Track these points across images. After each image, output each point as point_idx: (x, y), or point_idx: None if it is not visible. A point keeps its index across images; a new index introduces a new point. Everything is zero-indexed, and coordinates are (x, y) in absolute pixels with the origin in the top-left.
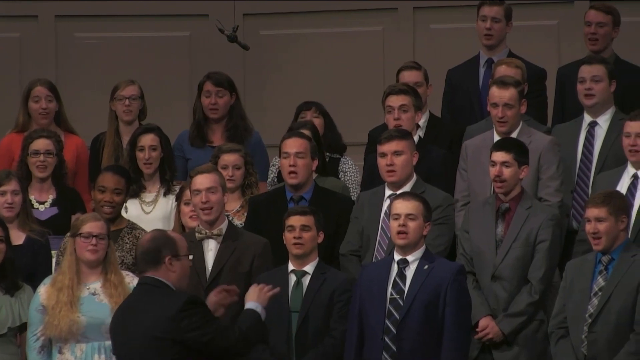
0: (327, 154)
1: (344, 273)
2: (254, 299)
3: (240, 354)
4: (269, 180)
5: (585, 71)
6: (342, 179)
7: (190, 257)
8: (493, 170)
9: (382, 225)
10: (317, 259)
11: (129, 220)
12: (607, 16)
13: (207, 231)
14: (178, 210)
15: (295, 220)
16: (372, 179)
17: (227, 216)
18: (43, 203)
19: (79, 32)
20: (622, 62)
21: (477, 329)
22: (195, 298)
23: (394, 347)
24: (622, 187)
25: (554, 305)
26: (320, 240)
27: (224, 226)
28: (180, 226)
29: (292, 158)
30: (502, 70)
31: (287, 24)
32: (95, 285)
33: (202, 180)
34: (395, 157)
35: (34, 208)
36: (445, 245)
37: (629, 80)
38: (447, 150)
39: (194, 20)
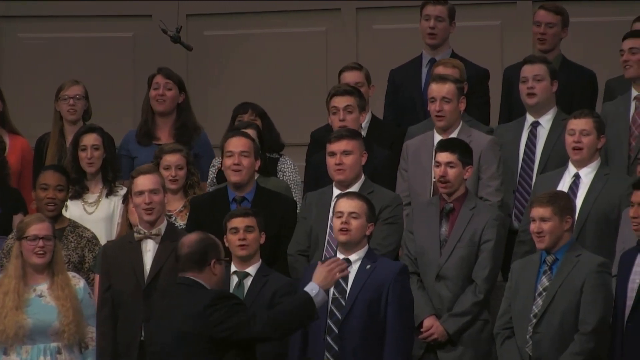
0: (266, 153)
1: (286, 276)
2: (317, 281)
3: (273, 339)
4: (209, 180)
5: (527, 71)
6: (280, 178)
7: (227, 259)
8: (437, 171)
9: (330, 225)
10: (260, 260)
11: (70, 219)
12: (556, 17)
13: (146, 231)
14: (126, 210)
15: (238, 222)
16: (317, 179)
17: (171, 216)
18: None
19: (23, 33)
20: (569, 63)
21: (422, 329)
22: (223, 293)
23: (336, 347)
24: (564, 187)
25: (499, 305)
26: (262, 241)
27: (163, 226)
28: (128, 225)
29: (236, 157)
30: (440, 70)
31: (230, 24)
32: (42, 287)
33: (144, 182)
34: (344, 156)
35: None
36: (395, 244)
37: (576, 80)
38: (389, 150)
39: (138, 20)
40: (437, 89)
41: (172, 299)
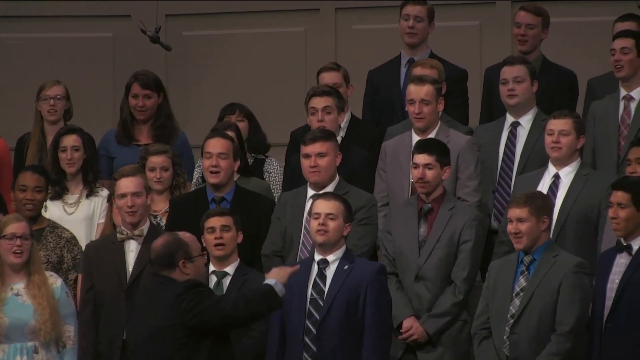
0: (252, 154)
1: (264, 276)
2: (272, 276)
3: (244, 324)
4: (194, 180)
5: (507, 72)
6: (267, 179)
7: (204, 254)
8: (415, 173)
9: (305, 225)
10: (238, 260)
11: (49, 220)
12: (536, 18)
13: (129, 232)
14: (110, 210)
15: (214, 222)
16: (293, 179)
17: (156, 217)
18: None
19: (3, 33)
20: (549, 63)
21: (401, 330)
22: (193, 282)
23: (314, 348)
24: (543, 187)
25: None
26: (239, 240)
27: (145, 227)
28: (112, 225)
29: (214, 158)
30: (418, 71)
31: (209, 24)
32: (18, 286)
33: (127, 184)
34: (319, 158)
35: None
36: (370, 245)
37: (556, 81)
38: (368, 151)
39: (117, 21)
40: (415, 91)
41: (148, 297)
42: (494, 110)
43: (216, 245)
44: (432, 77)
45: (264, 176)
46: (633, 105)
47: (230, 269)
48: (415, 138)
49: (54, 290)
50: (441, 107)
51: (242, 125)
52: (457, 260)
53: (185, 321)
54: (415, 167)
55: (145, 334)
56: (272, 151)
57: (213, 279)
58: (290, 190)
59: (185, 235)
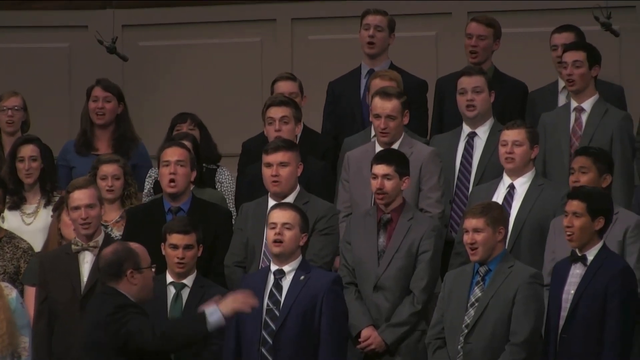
0: (204, 164)
1: (222, 287)
2: (219, 302)
3: (165, 350)
4: (145, 191)
5: (465, 82)
6: (218, 189)
7: (153, 267)
8: (374, 183)
9: (266, 235)
10: (196, 271)
11: (6, 230)
12: (488, 29)
13: (84, 243)
14: (57, 221)
15: (178, 240)
16: (252, 190)
17: (107, 227)
18: None
19: None
20: (501, 74)
21: (360, 339)
22: (125, 302)
23: (270, 358)
24: (498, 198)
25: None
26: (199, 254)
27: (100, 238)
28: (59, 236)
29: (172, 166)
30: (377, 83)
31: (165, 35)
32: None
33: (80, 196)
34: (280, 168)
35: None
36: (331, 255)
37: (508, 92)
38: (322, 161)
39: (73, 31)
40: (381, 106)
41: (89, 308)
42: (444, 121)
43: (178, 263)
44: (398, 91)
45: (216, 186)
46: (584, 117)
47: (188, 281)
48: (379, 149)
49: (10, 302)
50: (406, 120)
51: (194, 134)
52: (416, 270)
53: (112, 342)
54: (374, 178)
55: (82, 350)
56: (228, 161)
57: (172, 291)
58: (247, 200)
59: (135, 245)
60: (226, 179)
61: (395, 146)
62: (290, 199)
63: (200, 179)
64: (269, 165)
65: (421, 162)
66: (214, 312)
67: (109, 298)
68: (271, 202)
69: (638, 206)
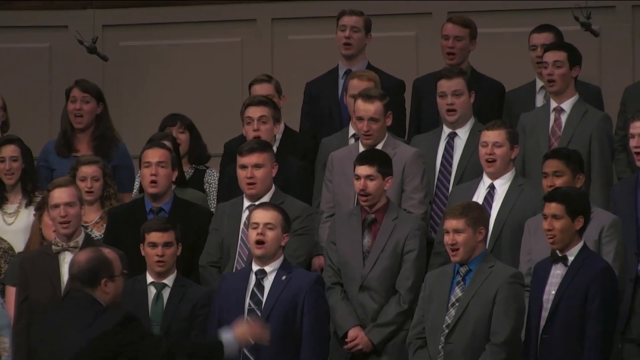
0: (193, 165)
1: (204, 287)
2: (236, 333)
3: None
4: (135, 190)
5: (445, 86)
6: (207, 190)
7: (125, 272)
8: (357, 184)
9: (241, 236)
10: (176, 271)
11: None
12: (464, 29)
13: (64, 244)
14: (39, 221)
15: (157, 238)
16: (230, 190)
17: (87, 227)
18: None
19: None
20: (478, 75)
21: (347, 339)
22: (130, 314)
23: (252, 358)
24: (479, 198)
25: None
26: (179, 253)
27: (80, 238)
28: (40, 236)
29: (153, 167)
30: (355, 84)
31: (146, 35)
32: None
33: (60, 195)
34: (255, 169)
35: None
36: (305, 256)
37: (485, 92)
38: (302, 161)
39: (54, 31)
40: (364, 109)
41: (66, 316)
42: (422, 122)
43: (157, 261)
44: (380, 93)
45: (204, 187)
46: (564, 117)
47: (169, 281)
48: (362, 150)
49: None
50: (389, 121)
51: (184, 137)
52: (402, 270)
53: (118, 353)
54: (357, 179)
55: (67, 351)
56: (210, 162)
57: (152, 291)
58: (227, 200)
59: (108, 252)
60: (214, 180)
61: (379, 146)
62: (265, 199)
63: (181, 179)
64: (243, 167)
65: (404, 163)
66: (231, 344)
67: (93, 304)
68: (246, 203)
69: (614, 205)
